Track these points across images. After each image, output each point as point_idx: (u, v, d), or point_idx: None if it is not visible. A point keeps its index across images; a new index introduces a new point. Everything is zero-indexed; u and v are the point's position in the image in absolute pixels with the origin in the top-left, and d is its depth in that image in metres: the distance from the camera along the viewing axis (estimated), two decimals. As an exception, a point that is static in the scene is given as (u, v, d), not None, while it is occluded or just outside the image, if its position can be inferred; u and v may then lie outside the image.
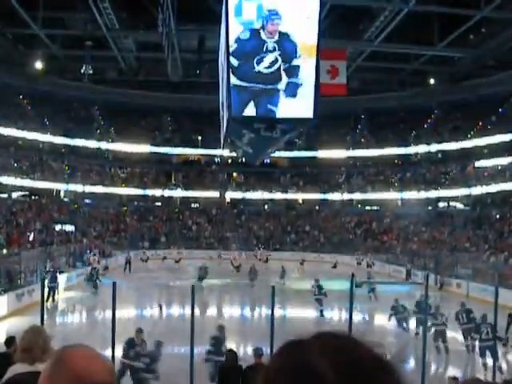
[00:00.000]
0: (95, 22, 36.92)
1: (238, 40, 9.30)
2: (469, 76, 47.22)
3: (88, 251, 36.90)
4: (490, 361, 13.55)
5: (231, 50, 9.53)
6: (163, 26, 29.07)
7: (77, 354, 1.37)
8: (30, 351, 3.12)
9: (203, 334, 12.68)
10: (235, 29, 9.53)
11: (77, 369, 1.31)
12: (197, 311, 12.53)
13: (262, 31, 9.27)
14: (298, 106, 11.51)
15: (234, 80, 9.71)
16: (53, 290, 23.63)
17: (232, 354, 9.53)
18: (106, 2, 33.83)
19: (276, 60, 9.28)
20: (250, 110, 10.28)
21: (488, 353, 13.91)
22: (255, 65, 9.29)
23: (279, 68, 9.34)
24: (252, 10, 9.35)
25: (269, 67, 9.27)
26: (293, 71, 9.34)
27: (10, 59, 45.17)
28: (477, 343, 14.89)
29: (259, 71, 9.33)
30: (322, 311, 22.55)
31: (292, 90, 9.45)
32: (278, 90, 9.56)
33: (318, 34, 10.48)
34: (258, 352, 9.41)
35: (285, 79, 9.32)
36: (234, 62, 9.44)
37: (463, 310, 16.59)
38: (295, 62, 9.32)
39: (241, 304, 26.99)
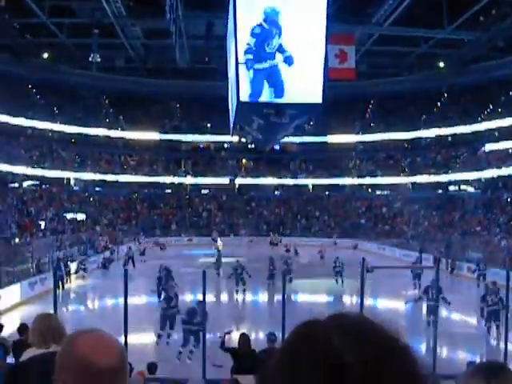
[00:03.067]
0: (102, 10, 36.81)
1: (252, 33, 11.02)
2: (479, 59, 46.76)
3: (99, 238, 37.33)
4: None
5: (249, 42, 10.67)
6: (171, 12, 28.95)
7: (83, 338, 1.36)
8: (42, 335, 3.16)
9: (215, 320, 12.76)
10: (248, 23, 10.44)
11: (82, 353, 1.31)
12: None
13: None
14: (306, 90, 11.52)
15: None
16: (60, 278, 23.53)
17: (245, 338, 9.55)
18: (112, -11, 33.77)
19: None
20: (265, 94, 11.02)
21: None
22: (266, 47, 11.01)
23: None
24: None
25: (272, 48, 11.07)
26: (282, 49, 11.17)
27: (17, 49, 45.22)
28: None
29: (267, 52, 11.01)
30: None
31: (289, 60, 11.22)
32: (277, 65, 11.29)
33: (327, 19, 10.47)
34: (270, 337, 9.44)
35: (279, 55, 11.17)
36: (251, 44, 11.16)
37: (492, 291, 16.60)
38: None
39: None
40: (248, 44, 10.96)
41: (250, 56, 11.06)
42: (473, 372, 1.72)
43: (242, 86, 10.97)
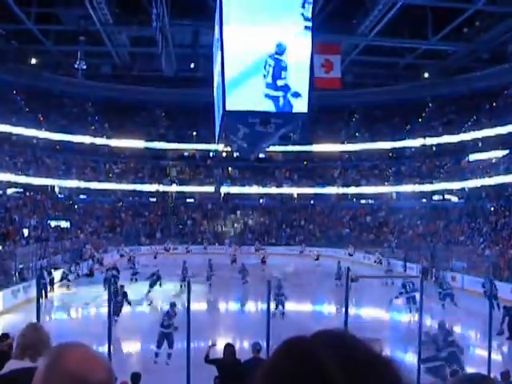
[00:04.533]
0: (89, 18, 36.75)
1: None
2: (463, 70, 47.26)
3: (86, 246, 37.22)
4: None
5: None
6: (157, 20, 28.97)
7: (72, 353, 1.34)
8: (29, 349, 3.11)
9: (201, 329, 12.72)
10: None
11: (73, 369, 1.28)
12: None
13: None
14: (292, 100, 11.59)
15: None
16: (44, 286, 23.36)
17: (230, 348, 9.51)
18: (99, -4, 33.68)
19: None
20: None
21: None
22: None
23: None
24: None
25: None
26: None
27: (3, 55, 44.98)
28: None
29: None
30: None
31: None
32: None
33: (312, 29, 10.53)
34: (255, 347, 9.42)
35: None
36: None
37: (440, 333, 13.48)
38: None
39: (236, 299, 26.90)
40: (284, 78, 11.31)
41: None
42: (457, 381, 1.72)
43: (228, 95, 11.00)
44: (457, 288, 27.50)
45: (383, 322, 21.34)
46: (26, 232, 37.85)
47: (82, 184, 51.78)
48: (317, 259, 40.92)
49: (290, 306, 24.36)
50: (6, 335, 8.85)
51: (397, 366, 0.89)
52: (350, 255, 42.81)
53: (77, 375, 1.29)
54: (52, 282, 25.91)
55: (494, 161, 44.52)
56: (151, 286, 25.39)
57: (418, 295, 17.61)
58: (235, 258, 38.06)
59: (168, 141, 57.34)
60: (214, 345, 10.18)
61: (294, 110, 11.87)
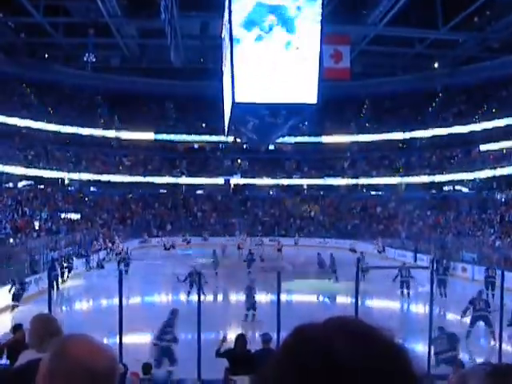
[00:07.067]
0: (97, 10, 36.80)
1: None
2: (473, 59, 46.94)
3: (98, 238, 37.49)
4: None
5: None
6: (166, 12, 28.93)
7: (76, 344, 1.37)
8: (44, 339, 3.12)
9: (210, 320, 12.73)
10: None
11: (77, 359, 1.31)
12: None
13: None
14: (301, 90, 11.55)
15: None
16: (55, 278, 23.46)
17: (241, 339, 9.51)
18: (107, -11, 33.76)
19: None
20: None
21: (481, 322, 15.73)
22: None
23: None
24: None
25: None
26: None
27: (12, 48, 45.14)
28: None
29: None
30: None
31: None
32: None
33: (322, 19, 10.49)
34: (265, 337, 9.42)
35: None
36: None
37: (480, 299, 16.04)
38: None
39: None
40: None
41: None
42: (486, 374, 1.68)
43: (237, 86, 10.99)
44: (467, 279, 27.50)
45: (392, 311, 21.34)
46: (36, 224, 38.04)
47: (92, 176, 52.00)
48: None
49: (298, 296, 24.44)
50: (19, 326, 8.96)
51: (409, 353, 0.89)
52: (379, 252, 39.55)
53: (81, 365, 1.30)
54: (63, 274, 26.05)
55: (504, 151, 44.25)
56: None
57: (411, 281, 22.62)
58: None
59: (177, 133, 57.35)
60: (225, 339, 10.13)
61: (303, 101, 11.83)
